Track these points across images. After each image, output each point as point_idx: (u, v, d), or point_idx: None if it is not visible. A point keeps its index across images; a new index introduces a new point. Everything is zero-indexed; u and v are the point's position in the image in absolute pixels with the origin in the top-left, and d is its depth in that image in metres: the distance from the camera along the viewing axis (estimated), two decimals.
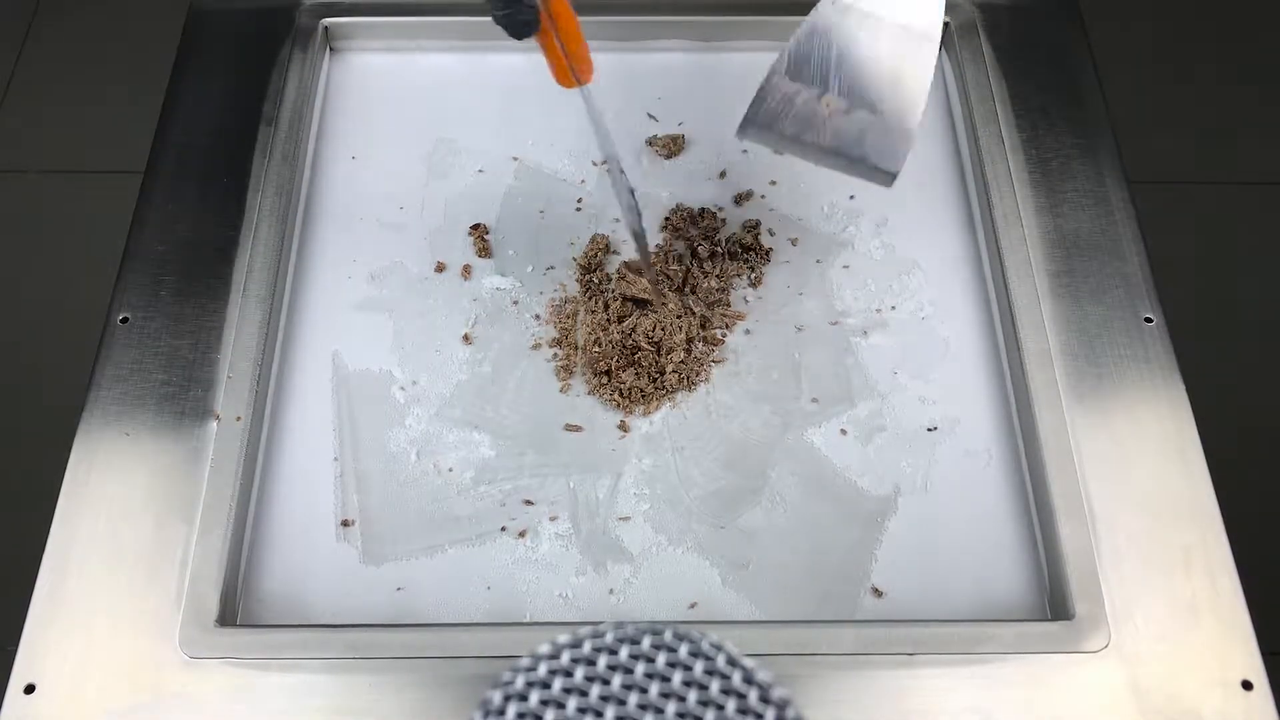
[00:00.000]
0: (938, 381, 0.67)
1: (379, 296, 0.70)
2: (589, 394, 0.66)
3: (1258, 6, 1.71)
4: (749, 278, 0.71)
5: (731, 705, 0.37)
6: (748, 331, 0.69)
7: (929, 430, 0.65)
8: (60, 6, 1.71)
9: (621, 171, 0.64)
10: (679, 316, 0.68)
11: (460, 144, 0.77)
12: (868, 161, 0.60)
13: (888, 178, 0.60)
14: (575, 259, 0.72)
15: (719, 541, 0.61)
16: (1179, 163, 1.55)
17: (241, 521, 0.60)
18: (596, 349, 0.67)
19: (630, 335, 0.67)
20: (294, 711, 0.55)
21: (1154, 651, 0.56)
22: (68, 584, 0.58)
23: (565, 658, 0.39)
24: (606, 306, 0.69)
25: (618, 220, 0.73)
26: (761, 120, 0.61)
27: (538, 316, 0.70)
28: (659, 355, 0.66)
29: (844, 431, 0.65)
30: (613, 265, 0.71)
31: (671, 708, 0.37)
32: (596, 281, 0.70)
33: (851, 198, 0.75)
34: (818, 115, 0.59)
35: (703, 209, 0.74)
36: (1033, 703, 0.55)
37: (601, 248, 0.71)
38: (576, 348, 0.68)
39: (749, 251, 0.71)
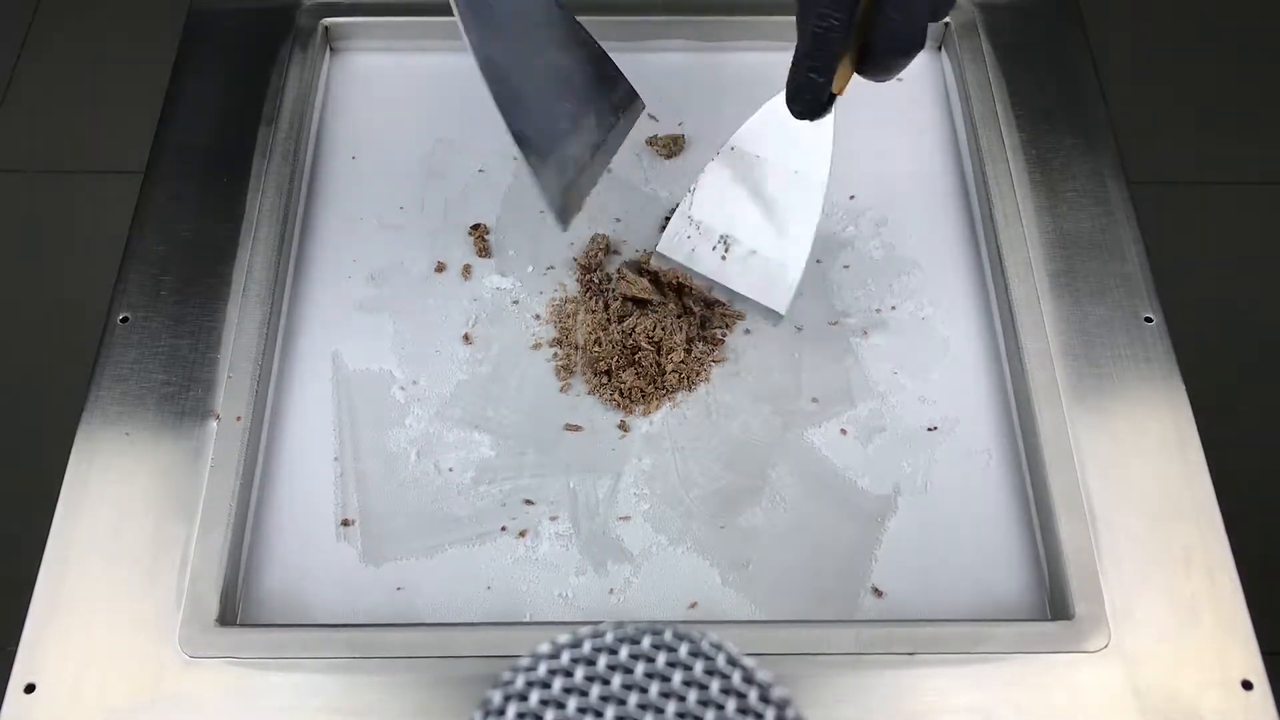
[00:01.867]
0: (938, 381, 0.67)
1: (379, 296, 0.70)
2: (589, 394, 0.66)
3: (1258, 6, 1.71)
4: None
5: (731, 705, 0.37)
6: (748, 331, 0.69)
7: (929, 430, 0.65)
8: (60, 6, 1.71)
9: None
10: (679, 316, 0.68)
11: (460, 144, 0.77)
12: (760, 298, 0.65)
13: (776, 316, 0.65)
14: (575, 259, 0.71)
15: (719, 541, 0.61)
16: (1179, 163, 1.55)
17: (241, 521, 0.60)
18: (596, 349, 0.67)
19: (630, 335, 0.67)
20: (294, 711, 0.55)
21: (1154, 651, 0.56)
22: (68, 584, 0.58)
23: (565, 657, 0.39)
24: (606, 306, 0.69)
25: (619, 220, 0.73)
26: (675, 242, 0.66)
27: (538, 316, 0.70)
28: (659, 355, 0.66)
29: (844, 431, 0.65)
30: (613, 265, 0.71)
31: (671, 707, 0.37)
32: (596, 281, 0.70)
33: (851, 198, 0.75)
34: (718, 252, 0.65)
35: None
36: (1033, 703, 0.55)
37: (601, 248, 0.71)
38: (576, 348, 0.68)
39: None
